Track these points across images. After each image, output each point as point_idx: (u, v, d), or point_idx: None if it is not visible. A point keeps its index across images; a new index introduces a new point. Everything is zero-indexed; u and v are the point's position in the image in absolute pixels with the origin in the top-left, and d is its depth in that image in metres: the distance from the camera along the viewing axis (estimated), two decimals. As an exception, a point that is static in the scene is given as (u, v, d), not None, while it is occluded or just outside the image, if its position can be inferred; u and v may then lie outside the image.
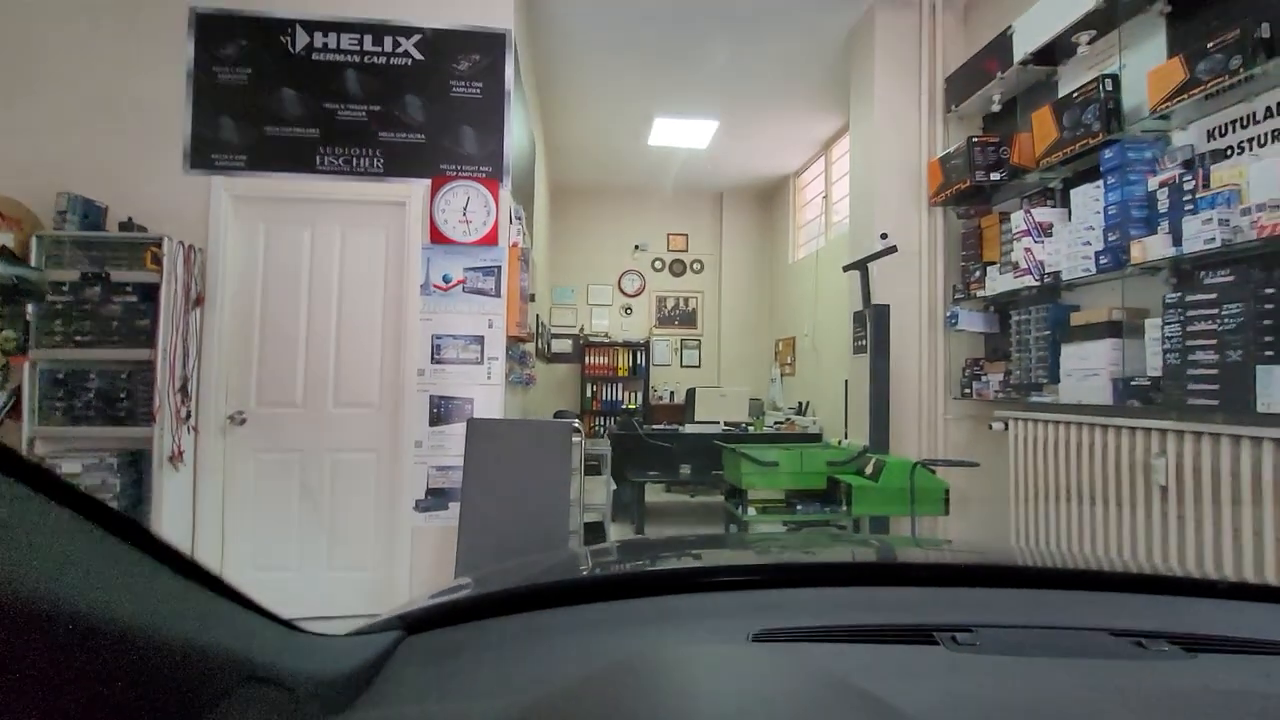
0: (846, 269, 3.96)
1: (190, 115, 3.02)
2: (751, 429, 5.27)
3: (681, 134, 5.88)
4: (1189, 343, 2.22)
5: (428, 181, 3.09)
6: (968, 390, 3.53)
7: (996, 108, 3.38)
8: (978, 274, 3.40)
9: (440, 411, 3.07)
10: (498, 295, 3.11)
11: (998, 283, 3.19)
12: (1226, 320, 2.11)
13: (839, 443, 4.20)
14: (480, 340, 3.10)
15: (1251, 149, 2.19)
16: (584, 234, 7.52)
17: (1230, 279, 2.12)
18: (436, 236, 3.08)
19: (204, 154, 3.03)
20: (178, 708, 0.30)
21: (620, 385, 7.07)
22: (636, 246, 7.58)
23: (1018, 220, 3.03)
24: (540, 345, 5.95)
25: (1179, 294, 2.28)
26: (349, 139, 3.07)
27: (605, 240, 7.55)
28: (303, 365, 3.06)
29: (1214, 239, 2.13)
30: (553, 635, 0.60)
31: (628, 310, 7.56)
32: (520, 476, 2.92)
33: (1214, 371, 2.15)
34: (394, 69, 3.09)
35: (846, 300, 4.33)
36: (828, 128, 5.78)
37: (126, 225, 2.85)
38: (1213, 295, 2.15)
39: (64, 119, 2.97)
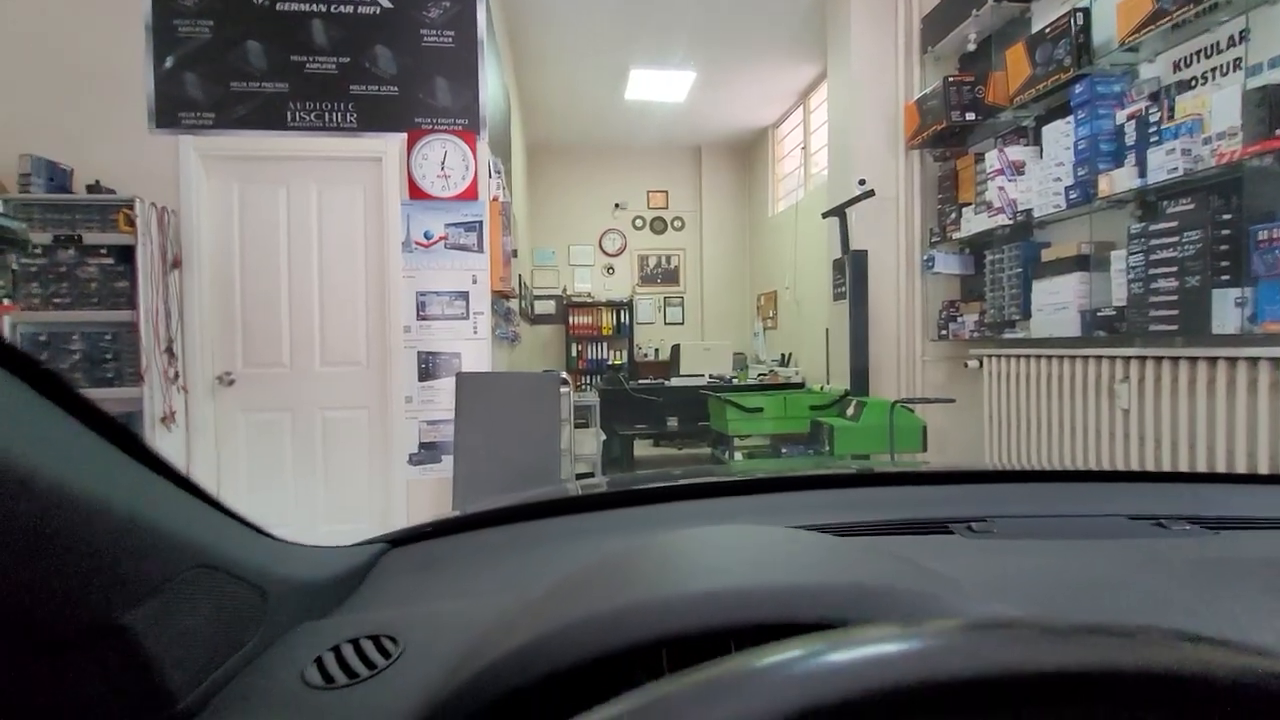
0: (825, 215, 4.00)
1: (153, 72, 2.93)
2: (736, 381, 5.37)
3: (658, 87, 5.79)
4: (1151, 271, 2.31)
5: (403, 135, 3.05)
6: (944, 332, 3.63)
7: (972, 46, 3.38)
8: (953, 216, 3.46)
9: (428, 367, 3.10)
10: (480, 250, 3.11)
11: (972, 223, 3.26)
12: (1186, 247, 2.19)
13: (821, 389, 4.31)
14: (465, 296, 3.11)
15: (1214, 78, 2.24)
16: (563, 194, 7.44)
17: (1190, 207, 2.20)
18: (415, 192, 3.06)
19: (169, 112, 2.95)
20: (110, 572, 0.30)
21: (605, 344, 7.11)
22: (616, 205, 7.52)
23: (992, 160, 3.08)
24: (523, 306, 5.95)
25: (1143, 224, 2.35)
26: (319, 93, 3.01)
27: (585, 200, 7.48)
28: (287, 325, 3.05)
29: (1176, 169, 2.20)
30: (544, 542, 0.58)
31: (610, 270, 7.55)
32: (511, 428, 2.97)
33: (1174, 298, 2.24)
34: (362, 18, 3.01)
35: (826, 250, 4.38)
36: (805, 77, 5.73)
37: (95, 188, 2.79)
38: (1174, 224, 2.23)
39: (22, 80, 2.87)
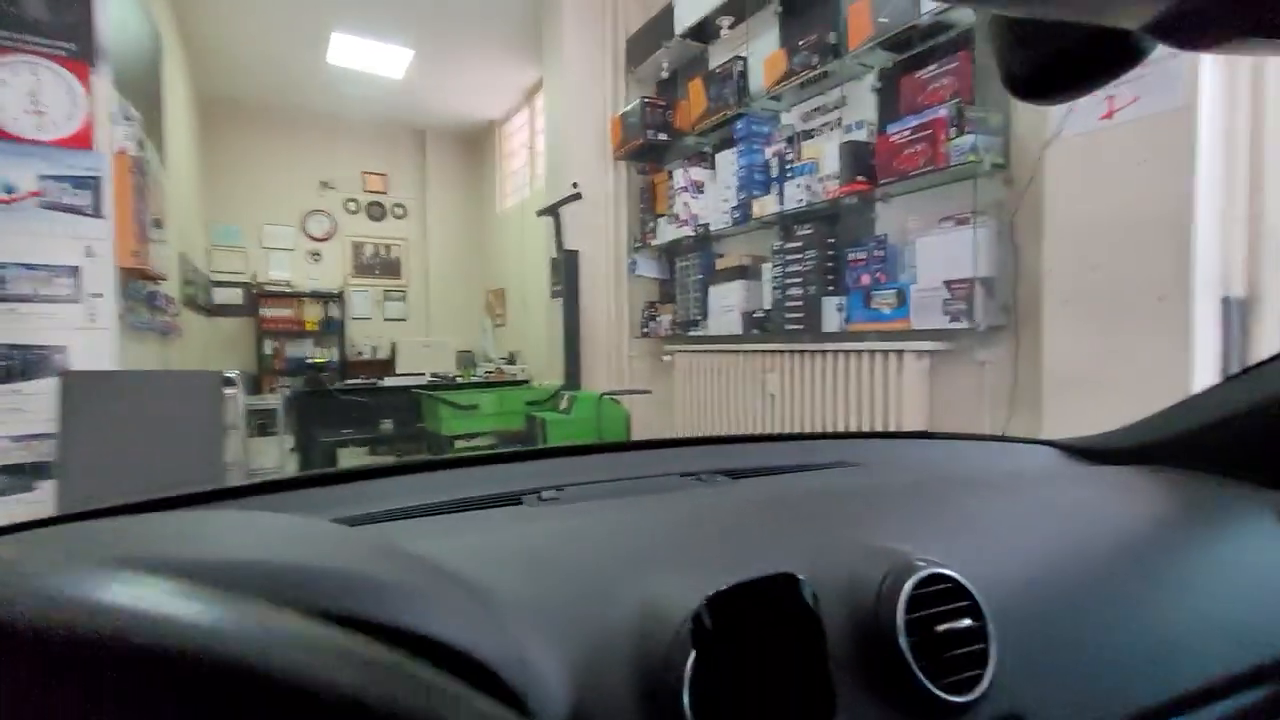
0: (539, 214, 4.08)
1: None
2: (460, 379, 5.18)
3: (369, 57, 5.29)
4: (787, 281, 2.83)
5: (-37, 48, 2.22)
6: (646, 329, 3.99)
7: (665, 74, 3.77)
8: (651, 225, 3.82)
9: (15, 364, 2.32)
10: (98, 215, 2.43)
11: (665, 233, 3.63)
12: (808, 263, 2.74)
13: (542, 385, 4.39)
14: (75, 271, 2.40)
15: (826, 131, 2.84)
16: (255, 164, 6.33)
17: (811, 232, 2.75)
18: (-14, 128, 2.25)
19: None
20: None
21: (310, 341, 6.26)
22: (324, 183, 6.68)
23: (679, 178, 3.47)
24: (193, 293, 4.91)
25: (782, 243, 2.88)
26: None
27: (284, 174, 6.48)
28: None
29: (803, 200, 2.74)
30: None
31: (316, 256, 6.67)
32: (149, 440, 2.40)
33: (801, 304, 2.78)
34: None
35: (549, 249, 4.48)
36: (530, 77, 5.80)
37: None
38: (800, 244, 2.77)
39: None
